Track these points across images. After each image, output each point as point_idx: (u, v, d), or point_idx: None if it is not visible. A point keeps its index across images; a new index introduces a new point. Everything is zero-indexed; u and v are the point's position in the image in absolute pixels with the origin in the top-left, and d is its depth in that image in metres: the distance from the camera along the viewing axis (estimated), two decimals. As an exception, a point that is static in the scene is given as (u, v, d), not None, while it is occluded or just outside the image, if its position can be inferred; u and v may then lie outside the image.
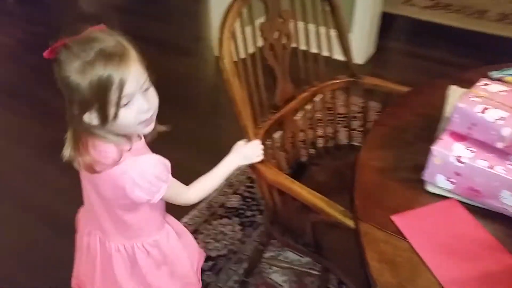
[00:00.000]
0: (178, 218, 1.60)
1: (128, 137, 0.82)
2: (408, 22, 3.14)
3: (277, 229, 1.13)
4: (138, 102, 0.77)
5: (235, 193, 1.75)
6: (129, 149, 0.81)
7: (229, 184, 1.78)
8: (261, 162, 1.01)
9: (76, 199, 1.71)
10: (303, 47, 1.22)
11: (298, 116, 1.29)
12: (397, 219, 0.78)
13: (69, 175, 1.86)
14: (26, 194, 1.78)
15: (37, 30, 3.05)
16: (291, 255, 1.48)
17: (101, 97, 0.72)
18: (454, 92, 1.08)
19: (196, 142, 2.03)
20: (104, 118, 0.75)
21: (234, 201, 1.72)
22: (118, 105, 0.74)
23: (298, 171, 1.26)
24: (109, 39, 0.74)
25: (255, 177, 1.41)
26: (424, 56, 2.68)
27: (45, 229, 1.62)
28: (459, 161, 0.78)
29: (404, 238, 0.75)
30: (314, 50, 1.24)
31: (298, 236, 1.08)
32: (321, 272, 1.24)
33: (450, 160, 0.79)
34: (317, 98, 1.31)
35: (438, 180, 0.82)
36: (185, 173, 1.81)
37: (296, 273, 1.43)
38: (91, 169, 0.80)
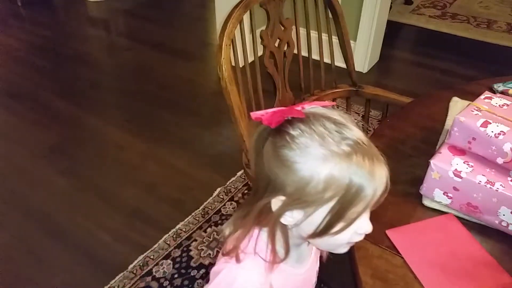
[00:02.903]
0: (174, 224, 1.63)
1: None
2: (414, 31, 3.12)
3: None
4: (363, 219, 0.57)
5: (231, 199, 1.73)
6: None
7: (226, 191, 1.77)
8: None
9: (70, 203, 1.74)
10: (304, 54, 1.21)
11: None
12: (392, 233, 0.76)
13: (66, 179, 1.88)
14: (23, 196, 1.77)
15: (44, 33, 3.07)
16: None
17: (343, 204, 0.53)
18: (456, 104, 1.06)
19: (196, 149, 2.02)
20: (324, 229, 0.55)
21: (230, 208, 1.70)
22: (351, 222, 0.55)
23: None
24: (357, 128, 0.55)
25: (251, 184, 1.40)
26: (429, 66, 2.66)
27: (38, 231, 1.62)
28: (458, 176, 0.77)
29: (398, 253, 0.73)
30: (315, 57, 1.23)
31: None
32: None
33: (448, 174, 0.78)
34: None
35: (435, 195, 0.80)
36: (183, 178, 1.82)
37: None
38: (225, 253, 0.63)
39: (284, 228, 0.60)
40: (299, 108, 0.55)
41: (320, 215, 0.55)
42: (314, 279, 0.74)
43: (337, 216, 0.54)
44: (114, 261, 1.49)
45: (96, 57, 2.86)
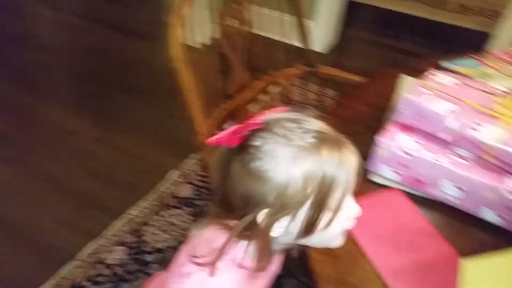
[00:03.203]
0: (126, 209, 1.56)
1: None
2: (373, 11, 3.15)
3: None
4: (349, 204, 0.58)
5: (187, 182, 1.70)
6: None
7: (182, 173, 1.74)
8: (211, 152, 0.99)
9: (16, 191, 1.66)
10: (260, 33, 1.20)
11: (253, 106, 1.27)
12: (341, 210, 0.78)
13: (12, 167, 1.78)
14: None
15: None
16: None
17: (320, 196, 0.53)
18: (404, 82, 1.09)
19: (149, 131, 1.97)
20: (310, 225, 0.55)
21: (186, 190, 1.67)
22: (337, 209, 0.55)
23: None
24: (315, 119, 0.57)
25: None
26: (388, 46, 2.71)
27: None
28: (404, 152, 0.79)
29: (347, 229, 0.74)
30: (271, 36, 1.22)
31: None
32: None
33: (394, 150, 0.80)
34: (273, 87, 1.30)
35: (383, 171, 0.83)
36: (135, 161, 1.78)
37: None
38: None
39: (270, 239, 0.59)
40: (255, 120, 0.55)
41: (303, 213, 0.55)
42: (274, 268, 0.74)
43: (319, 209, 0.54)
44: (63, 250, 1.44)
45: (44, 38, 2.72)
